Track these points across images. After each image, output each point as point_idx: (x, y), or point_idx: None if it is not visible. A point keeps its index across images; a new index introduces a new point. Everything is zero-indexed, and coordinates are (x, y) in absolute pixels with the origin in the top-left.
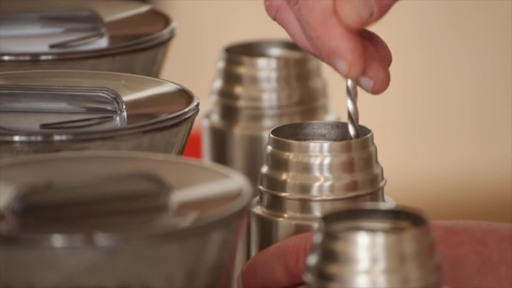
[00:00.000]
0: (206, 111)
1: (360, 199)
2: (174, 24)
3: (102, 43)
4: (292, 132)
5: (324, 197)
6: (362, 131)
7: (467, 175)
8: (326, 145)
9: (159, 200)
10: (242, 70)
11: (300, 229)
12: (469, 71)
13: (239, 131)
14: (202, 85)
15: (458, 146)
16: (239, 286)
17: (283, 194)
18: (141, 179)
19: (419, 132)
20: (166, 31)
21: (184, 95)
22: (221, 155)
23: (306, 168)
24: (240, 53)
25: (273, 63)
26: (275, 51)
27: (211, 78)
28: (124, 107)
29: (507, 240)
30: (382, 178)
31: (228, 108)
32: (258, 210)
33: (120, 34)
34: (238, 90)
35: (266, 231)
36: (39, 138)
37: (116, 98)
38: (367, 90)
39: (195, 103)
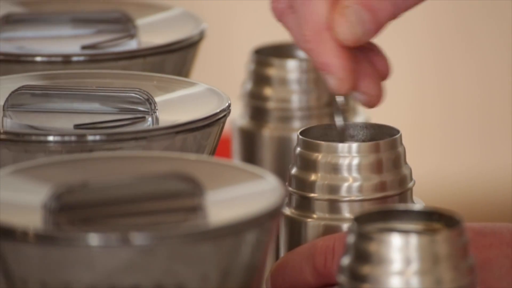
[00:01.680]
0: (236, 113)
1: (389, 200)
2: (204, 25)
3: (133, 44)
4: (321, 133)
5: (353, 198)
6: (390, 132)
7: (477, 177)
8: (354, 145)
9: (193, 200)
10: (272, 72)
11: (329, 230)
12: (478, 75)
13: (268, 132)
14: (231, 86)
15: (467, 148)
16: (268, 286)
17: (312, 194)
18: (175, 179)
19: (427, 135)
20: (196, 33)
21: (216, 96)
22: (251, 156)
23: (334, 169)
24: (269, 54)
25: (302, 64)
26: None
27: (240, 79)
28: (156, 107)
29: None
30: (411, 179)
31: (258, 110)
32: (287, 211)
33: (151, 35)
34: (268, 91)
35: (295, 232)
36: (72, 138)
37: (149, 99)
38: (360, 104)
39: (227, 104)
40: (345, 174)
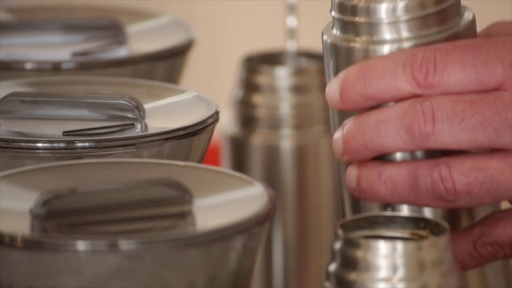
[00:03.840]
0: (225, 120)
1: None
2: (193, 33)
3: (123, 51)
4: None
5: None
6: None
7: None
8: None
9: (181, 206)
10: (262, 79)
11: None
12: None
13: (258, 140)
14: (221, 93)
15: None
16: (332, 93)
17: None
18: (163, 185)
19: None
20: (185, 40)
21: (204, 103)
22: (240, 164)
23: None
24: (259, 62)
25: (292, 72)
26: (294, 61)
27: (230, 87)
28: (145, 114)
29: None
30: None
31: (247, 117)
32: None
33: (140, 42)
34: (258, 99)
35: (342, 58)
36: (61, 144)
37: (137, 106)
38: None
39: (215, 111)
40: None
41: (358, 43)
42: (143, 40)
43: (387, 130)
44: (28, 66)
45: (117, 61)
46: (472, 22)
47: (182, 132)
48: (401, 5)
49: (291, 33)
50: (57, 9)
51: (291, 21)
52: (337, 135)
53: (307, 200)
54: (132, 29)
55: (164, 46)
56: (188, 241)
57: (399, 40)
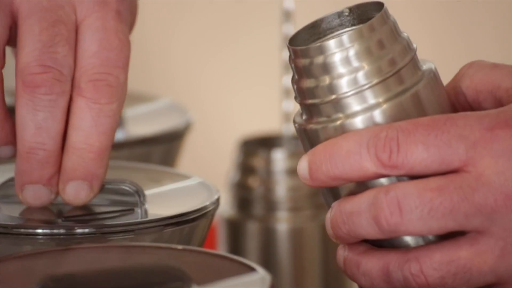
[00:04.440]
0: (222, 202)
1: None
2: (190, 116)
3: (120, 135)
4: (308, 36)
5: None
6: (375, 8)
7: None
8: (345, 36)
9: None
10: (258, 162)
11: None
12: None
13: (254, 222)
14: (217, 176)
15: None
16: (302, 172)
17: (318, 100)
18: (162, 270)
19: None
20: (182, 123)
21: (205, 189)
22: (236, 246)
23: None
24: (255, 145)
25: (288, 155)
26: (290, 144)
27: (226, 169)
28: (145, 200)
29: None
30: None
31: (244, 200)
32: (300, 123)
33: (138, 126)
34: (254, 181)
35: (314, 142)
36: (61, 231)
37: (138, 191)
38: None
39: (216, 197)
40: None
41: (324, 124)
42: (140, 123)
43: (360, 221)
44: None
45: (114, 144)
46: (435, 74)
47: (181, 219)
48: (360, 74)
49: (287, 117)
50: None
51: (287, 105)
52: (327, 218)
53: (304, 282)
54: (129, 112)
55: (161, 130)
56: None
57: (368, 109)
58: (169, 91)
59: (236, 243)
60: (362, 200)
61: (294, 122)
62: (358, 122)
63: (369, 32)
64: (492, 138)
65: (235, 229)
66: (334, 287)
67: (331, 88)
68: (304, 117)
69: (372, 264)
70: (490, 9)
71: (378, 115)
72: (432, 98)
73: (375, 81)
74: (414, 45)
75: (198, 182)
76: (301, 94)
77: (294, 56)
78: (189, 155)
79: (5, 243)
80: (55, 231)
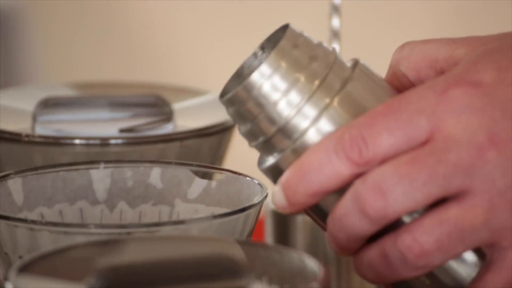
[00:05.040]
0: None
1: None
2: None
3: (169, 128)
4: (237, 84)
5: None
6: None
7: None
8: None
9: (234, 282)
10: None
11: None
12: None
13: (301, 215)
14: None
15: None
16: (278, 201)
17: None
18: (215, 261)
19: None
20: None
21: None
22: (283, 239)
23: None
24: None
25: None
26: None
27: None
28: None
29: None
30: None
31: None
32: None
33: (186, 119)
34: None
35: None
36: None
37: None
38: None
39: (265, 194)
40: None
41: (282, 153)
42: (189, 117)
43: (351, 221)
44: (77, 142)
45: (164, 137)
46: (364, 65)
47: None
48: (292, 94)
49: None
50: (106, 86)
51: None
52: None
53: (352, 276)
54: (178, 106)
55: (211, 123)
56: None
57: (315, 120)
58: (216, 86)
59: (283, 236)
60: (346, 200)
61: (260, 169)
62: (313, 136)
63: (282, 55)
64: (448, 99)
65: (281, 221)
66: None
67: (272, 120)
68: (263, 158)
69: (372, 253)
70: (492, 10)
71: (327, 121)
72: (372, 85)
73: (307, 95)
74: (333, 47)
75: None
76: (250, 138)
77: (227, 106)
78: (237, 149)
79: (56, 233)
80: (91, 141)
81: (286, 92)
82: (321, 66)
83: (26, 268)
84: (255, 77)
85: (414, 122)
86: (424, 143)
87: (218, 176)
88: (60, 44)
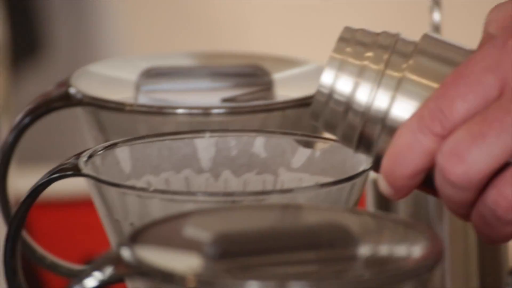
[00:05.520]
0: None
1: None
2: None
3: (270, 97)
4: None
5: None
6: None
7: None
8: None
9: (348, 250)
10: None
11: None
12: None
13: None
14: None
15: None
16: (384, 189)
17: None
18: (328, 229)
19: None
20: None
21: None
22: (384, 207)
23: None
24: None
25: None
26: None
27: None
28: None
29: None
30: None
31: None
32: None
33: (286, 89)
34: None
35: None
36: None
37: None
38: None
39: (370, 164)
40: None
41: (376, 141)
42: (289, 87)
43: (448, 193)
44: (180, 111)
45: (266, 106)
46: (431, 34)
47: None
48: (365, 80)
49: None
50: (206, 56)
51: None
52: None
53: (456, 247)
54: (278, 76)
55: (311, 93)
56: (358, 285)
57: (394, 98)
58: (316, 56)
59: (384, 205)
60: (436, 174)
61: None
62: (397, 114)
63: (342, 48)
64: (509, 50)
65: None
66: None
67: (355, 112)
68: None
69: (474, 217)
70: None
71: (404, 96)
72: (443, 53)
73: (378, 77)
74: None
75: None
76: (348, 142)
77: (315, 120)
78: None
79: (165, 200)
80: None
81: (357, 82)
82: (384, 48)
83: (140, 235)
84: (325, 78)
85: (483, 82)
86: (498, 99)
87: (322, 145)
88: (142, 17)
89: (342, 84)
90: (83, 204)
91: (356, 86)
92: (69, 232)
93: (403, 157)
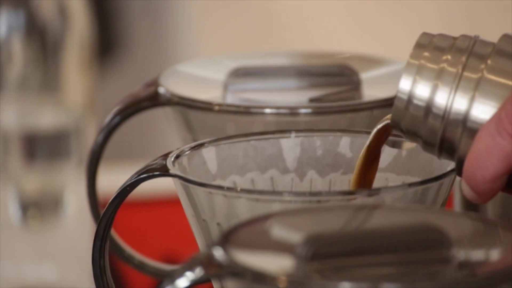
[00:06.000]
0: None
1: None
2: None
3: (358, 97)
4: None
5: None
6: None
7: None
8: None
9: (442, 252)
10: None
11: None
12: None
13: None
14: None
15: None
16: (467, 193)
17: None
18: (420, 230)
19: None
20: None
21: None
22: (471, 208)
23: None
24: None
25: None
26: None
27: None
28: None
29: None
30: None
31: None
32: None
33: (374, 89)
34: None
35: None
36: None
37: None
38: None
39: None
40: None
41: (458, 144)
42: (376, 86)
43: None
44: (267, 111)
45: (354, 106)
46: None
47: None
48: (443, 82)
49: None
50: (291, 56)
51: None
52: None
53: None
54: (365, 75)
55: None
56: (452, 286)
57: (472, 99)
58: (402, 55)
59: (472, 206)
60: None
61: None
62: (477, 115)
63: (419, 52)
64: None
65: None
66: None
67: (435, 116)
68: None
69: None
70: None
71: (483, 98)
72: None
73: (456, 79)
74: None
75: None
76: (430, 149)
77: (397, 127)
78: None
79: (251, 200)
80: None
81: (435, 85)
82: (462, 50)
83: (230, 236)
84: (403, 84)
85: None
86: None
87: (408, 145)
88: (220, 16)
89: (421, 88)
90: (165, 204)
91: (434, 90)
92: (151, 231)
93: (483, 161)
